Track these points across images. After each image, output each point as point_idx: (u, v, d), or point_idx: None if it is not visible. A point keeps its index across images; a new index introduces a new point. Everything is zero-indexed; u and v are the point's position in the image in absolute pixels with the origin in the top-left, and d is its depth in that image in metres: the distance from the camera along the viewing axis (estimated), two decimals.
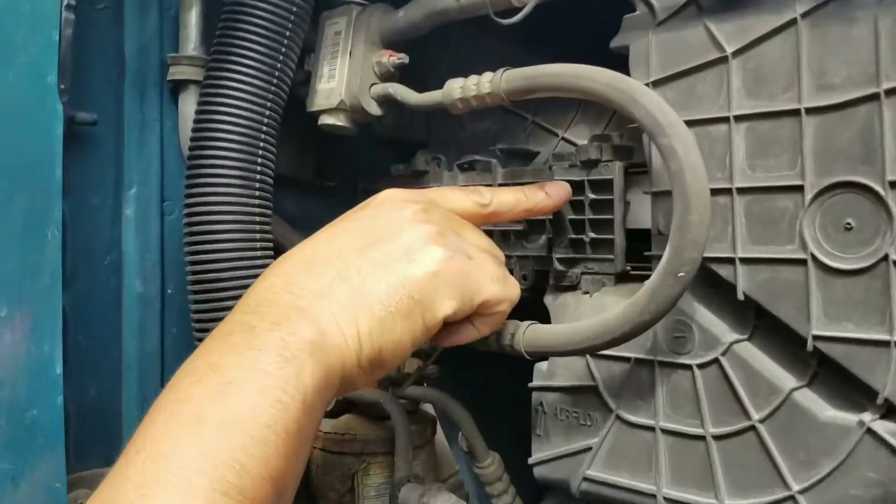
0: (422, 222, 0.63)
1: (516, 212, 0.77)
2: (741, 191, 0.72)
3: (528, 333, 0.80)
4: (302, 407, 0.48)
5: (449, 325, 0.65)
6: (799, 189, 0.68)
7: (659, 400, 0.79)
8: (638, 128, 0.79)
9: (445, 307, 0.61)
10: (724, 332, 0.75)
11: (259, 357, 0.49)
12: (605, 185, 0.87)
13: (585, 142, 0.95)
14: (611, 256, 0.87)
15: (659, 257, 0.80)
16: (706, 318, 0.76)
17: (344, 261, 0.58)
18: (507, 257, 0.96)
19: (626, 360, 0.82)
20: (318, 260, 0.58)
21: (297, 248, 0.61)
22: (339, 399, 1.03)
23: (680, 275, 0.69)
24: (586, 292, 0.91)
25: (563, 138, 0.99)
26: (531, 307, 1.21)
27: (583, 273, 0.91)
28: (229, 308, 0.86)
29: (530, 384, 0.92)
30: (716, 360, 0.75)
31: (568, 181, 0.89)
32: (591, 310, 0.88)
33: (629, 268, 0.89)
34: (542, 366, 0.92)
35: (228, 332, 0.52)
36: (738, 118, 0.72)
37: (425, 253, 0.61)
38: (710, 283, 0.75)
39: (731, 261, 0.73)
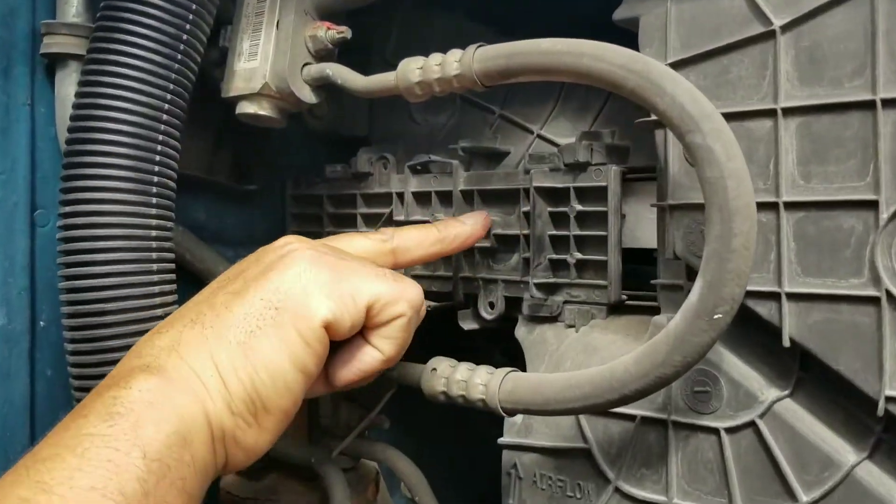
0: (287, 243, 0.59)
1: (426, 246, 0.69)
2: (791, 206, 0.56)
3: (505, 385, 0.62)
4: (144, 464, 0.43)
5: (342, 349, 0.58)
6: (871, 205, 0.52)
7: (673, 470, 0.62)
8: (645, 124, 0.62)
9: (320, 309, 0.53)
10: (761, 386, 0.59)
11: (83, 423, 0.44)
12: (596, 194, 0.70)
13: (568, 140, 0.78)
14: (603, 282, 0.70)
15: (670, 287, 0.64)
16: (737, 368, 0.60)
17: (198, 305, 0.54)
18: (471, 280, 0.78)
19: (630, 418, 0.65)
20: (173, 318, 0.55)
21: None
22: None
23: (716, 317, 0.52)
24: (571, 325, 0.74)
25: (538, 136, 0.82)
26: (498, 341, 1.03)
27: (565, 302, 0.73)
28: (114, 345, 0.69)
29: (501, 440, 0.74)
30: (751, 424, 0.59)
31: (550, 188, 0.72)
32: (578, 349, 0.71)
33: (625, 297, 0.72)
34: (515, 418, 0.74)
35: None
36: (788, 112, 0.55)
37: (285, 257, 0.56)
38: (743, 323, 0.58)
39: (774, 296, 0.57)
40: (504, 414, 0.63)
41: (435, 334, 0.93)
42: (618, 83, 0.56)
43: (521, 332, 0.77)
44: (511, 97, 0.84)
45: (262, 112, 0.80)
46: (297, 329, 0.52)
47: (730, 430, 0.60)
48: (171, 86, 0.73)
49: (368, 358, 0.59)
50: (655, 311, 0.69)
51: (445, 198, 0.82)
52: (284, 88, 0.78)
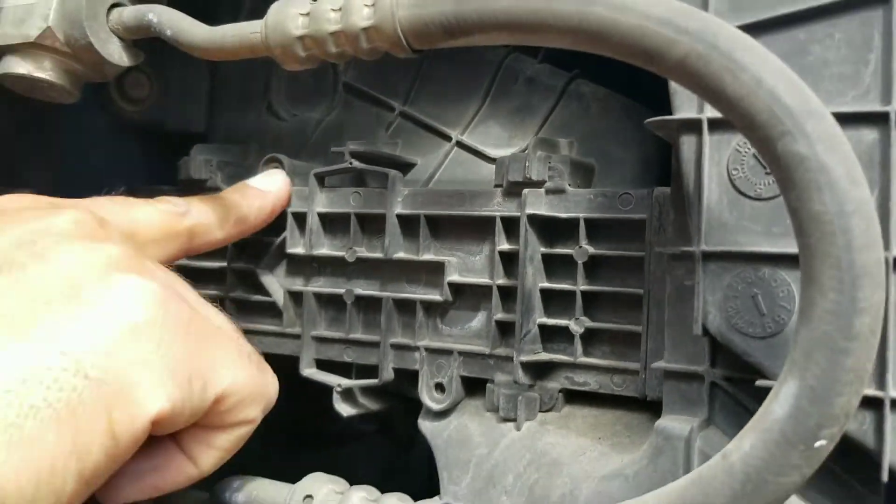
0: (94, 239, 0.39)
1: (229, 226, 0.53)
2: None
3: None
4: None
5: (141, 454, 0.38)
6: None
7: None
8: (664, 124, 0.41)
9: (155, 397, 0.35)
10: None
11: None
12: (620, 230, 0.48)
13: (502, 152, 0.56)
14: (632, 365, 0.47)
15: (680, 376, 0.43)
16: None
17: None
18: (408, 348, 0.54)
19: None
20: None
21: None
22: None
23: (818, 444, 0.31)
24: (508, 419, 0.50)
25: (459, 143, 0.58)
26: (387, 425, 0.78)
27: (562, 390, 0.50)
28: None
29: None
30: None
31: (548, 219, 0.49)
32: (527, 459, 0.48)
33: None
34: None
35: None
36: None
37: (110, 286, 0.36)
38: None
39: (872, 403, 0.36)
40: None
41: (291, 413, 0.66)
42: (655, 49, 0.34)
43: (430, 424, 0.53)
44: (419, 89, 0.61)
45: (39, 74, 0.52)
46: (112, 420, 0.34)
47: None
48: None
49: (178, 474, 0.41)
50: (626, 401, 0.48)
51: (372, 225, 0.57)
52: (78, 39, 0.50)
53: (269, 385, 0.44)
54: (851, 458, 0.38)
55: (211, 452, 0.42)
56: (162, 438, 0.41)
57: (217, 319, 0.44)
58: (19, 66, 0.51)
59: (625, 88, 0.55)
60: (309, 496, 0.42)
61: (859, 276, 0.31)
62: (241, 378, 0.40)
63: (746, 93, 0.32)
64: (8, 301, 0.34)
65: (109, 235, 0.41)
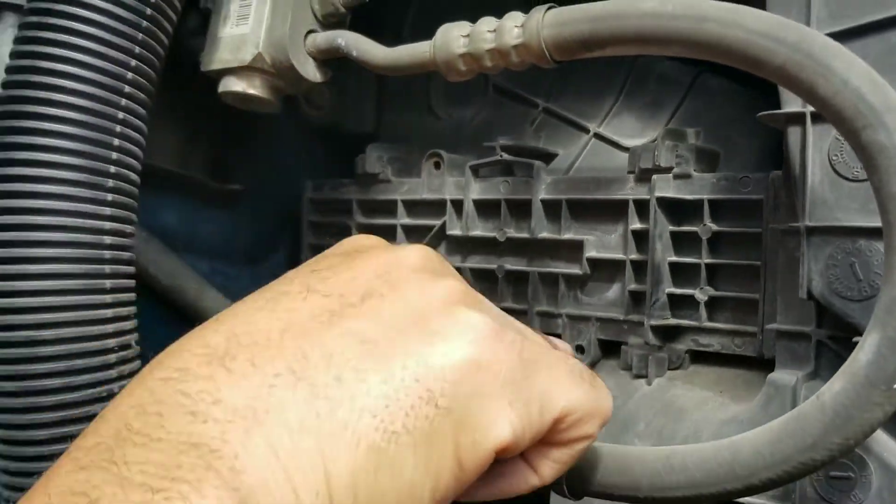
0: (438, 274, 0.39)
1: None
2: None
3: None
4: None
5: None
6: None
7: None
8: (774, 117, 0.47)
9: (500, 427, 0.35)
10: None
11: None
12: (740, 210, 0.55)
13: (636, 142, 0.63)
14: (751, 328, 0.54)
15: (791, 336, 0.49)
16: (891, 449, 0.45)
17: (297, 340, 0.33)
18: (551, 315, 0.63)
19: None
20: (247, 341, 0.33)
21: (210, 322, 0.35)
22: None
23: None
24: (640, 376, 0.58)
25: (596, 135, 0.66)
26: None
27: (689, 351, 0.58)
28: (48, 386, 0.54)
29: None
30: None
31: (674, 201, 0.57)
32: (656, 409, 0.55)
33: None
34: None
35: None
36: None
37: (455, 318, 0.36)
38: None
39: None
40: (567, 495, 0.47)
41: None
42: (759, 58, 0.41)
43: None
44: (560, 88, 0.69)
45: (252, 91, 0.63)
46: (458, 447, 0.34)
47: None
48: (137, 49, 0.57)
49: (521, 482, 0.42)
50: (747, 361, 0.55)
51: (520, 209, 0.65)
52: (282, 62, 0.62)
53: (603, 401, 0.43)
54: None
55: (552, 465, 0.43)
56: None
57: (542, 343, 0.44)
58: (237, 85, 0.64)
59: (747, 80, 0.61)
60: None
61: None
62: (574, 398, 0.40)
63: (835, 93, 0.39)
64: (372, 328, 0.35)
65: (450, 270, 0.43)
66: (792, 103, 0.47)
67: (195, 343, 0.33)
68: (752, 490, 0.41)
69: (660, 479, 0.43)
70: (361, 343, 0.34)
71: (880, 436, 0.45)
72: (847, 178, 0.45)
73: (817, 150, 0.46)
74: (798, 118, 0.46)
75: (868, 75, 0.38)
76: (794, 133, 0.47)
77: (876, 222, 0.43)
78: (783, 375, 0.48)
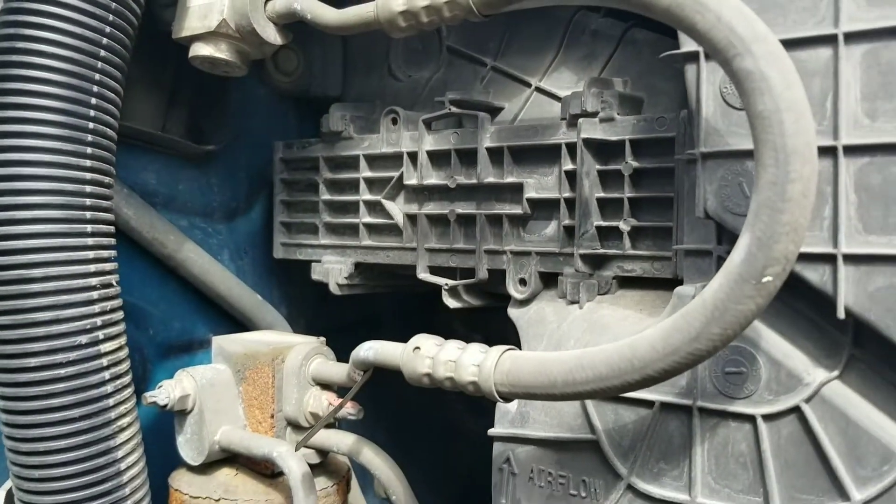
0: None
1: None
2: (852, 150, 0.47)
3: (502, 365, 0.53)
4: None
5: None
6: None
7: (697, 465, 0.54)
8: (674, 56, 0.53)
9: None
10: (806, 366, 0.50)
11: None
12: (657, 147, 0.61)
13: (567, 92, 0.68)
14: (666, 253, 0.61)
15: (696, 253, 0.55)
16: (778, 345, 0.52)
17: None
18: (497, 253, 0.69)
19: (647, 404, 0.57)
20: None
21: None
22: (215, 448, 0.72)
23: (765, 280, 0.43)
24: (573, 301, 0.64)
25: (537, 88, 0.72)
26: (479, 327, 0.94)
27: (615, 277, 0.64)
28: (39, 318, 0.60)
29: (491, 431, 0.64)
30: (795, 410, 0.51)
31: (601, 142, 0.62)
32: (584, 328, 0.62)
33: None
34: (509, 405, 0.64)
35: None
36: (852, 37, 0.47)
37: None
38: (787, 291, 0.49)
39: (828, 259, 0.48)
40: (499, 399, 0.54)
41: (408, 320, 0.83)
42: (648, 1, 0.46)
43: (516, 310, 0.68)
44: (506, 47, 0.75)
45: (218, 55, 0.70)
46: None
47: (768, 418, 0.51)
48: (111, 16, 0.63)
49: None
50: (670, 283, 0.61)
51: (468, 158, 0.71)
52: (245, 27, 0.68)
53: None
54: (824, 308, 0.49)
55: None
56: None
57: None
58: (204, 50, 0.70)
59: (670, 32, 0.67)
60: (416, 347, 0.58)
61: (790, 155, 0.42)
62: None
63: (710, 26, 0.44)
64: None
65: None
66: (688, 44, 0.53)
67: None
68: (648, 381, 0.47)
69: (571, 377, 0.49)
70: None
71: (768, 333, 0.51)
72: (735, 108, 0.51)
73: (710, 83, 0.52)
74: (693, 56, 0.52)
75: (738, 10, 0.44)
76: (690, 70, 0.53)
77: None
78: (687, 288, 0.55)
